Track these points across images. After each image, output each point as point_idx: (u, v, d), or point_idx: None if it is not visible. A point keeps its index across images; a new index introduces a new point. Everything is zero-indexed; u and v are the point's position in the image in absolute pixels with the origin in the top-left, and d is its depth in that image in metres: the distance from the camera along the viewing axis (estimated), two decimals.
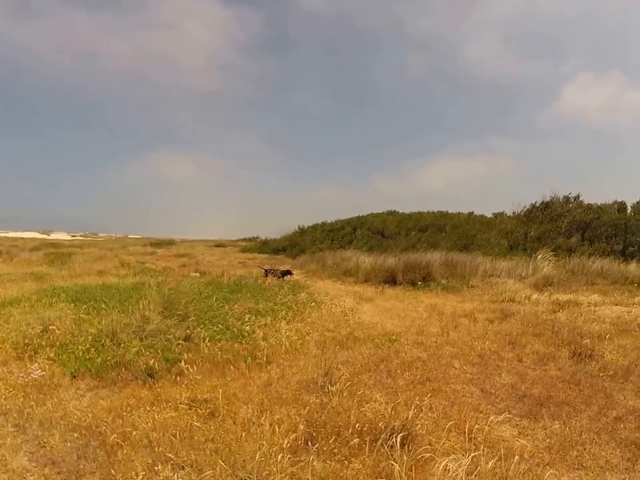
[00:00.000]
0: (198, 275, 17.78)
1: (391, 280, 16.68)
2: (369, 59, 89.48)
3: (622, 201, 26.12)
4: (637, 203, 25.41)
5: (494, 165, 76.54)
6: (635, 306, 11.99)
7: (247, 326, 8.70)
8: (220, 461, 3.86)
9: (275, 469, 3.73)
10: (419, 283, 16.39)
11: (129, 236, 66.06)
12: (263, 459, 3.82)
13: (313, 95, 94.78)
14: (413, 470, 3.86)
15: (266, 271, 17.03)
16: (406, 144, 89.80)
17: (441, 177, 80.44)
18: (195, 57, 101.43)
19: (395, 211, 36.00)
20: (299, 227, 37.81)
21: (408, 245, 24.68)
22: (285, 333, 8.34)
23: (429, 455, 4.08)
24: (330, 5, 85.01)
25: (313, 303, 11.56)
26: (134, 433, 4.50)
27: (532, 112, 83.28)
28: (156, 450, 4.18)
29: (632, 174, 64.43)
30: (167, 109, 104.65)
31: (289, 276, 16.57)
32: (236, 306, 10.52)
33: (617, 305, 12.21)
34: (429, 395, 5.69)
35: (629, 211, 25.36)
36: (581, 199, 27.53)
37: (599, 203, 26.47)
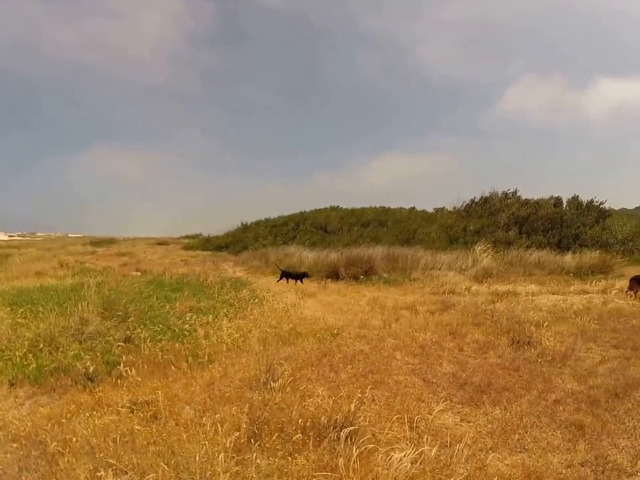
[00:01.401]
0: (139, 274, 17.61)
1: (334, 275, 17.02)
2: (321, 55, 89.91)
3: (558, 197, 27.84)
4: (572, 198, 27.06)
5: (437, 162, 79.41)
6: (570, 294, 12.70)
7: (188, 325, 8.64)
8: (162, 463, 3.80)
9: (218, 469, 3.70)
10: (362, 277, 16.73)
11: (69, 235, 62.87)
12: (206, 459, 3.81)
13: (263, 90, 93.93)
14: (357, 462, 3.86)
15: (283, 272, 16.49)
16: (353, 141, 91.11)
17: (385, 173, 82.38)
18: (143, 48, 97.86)
19: (337, 206, 36.46)
20: (242, 223, 37.80)
21: (351, 240, 25.12)
22: (227, 330, 8.27)
23: (372, 446, 4.10)
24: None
25: (255, 300, 11.52)
26: (75, 439, 4.37)
27: (476, 112, 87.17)
28: (97, 456, 4.09)
29: (567, 171, 68.60)
30: (112, 101, 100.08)
31: (305, 278, 16.16)
32: (177, 305, 10.41)
33: (553, 294, 12.88)
34: (371, 387, 5.73)
35: (564, 206, 26.99)
36: (518, 194, 29.02)
37: (536, 198, 28.03)
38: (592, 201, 26.41)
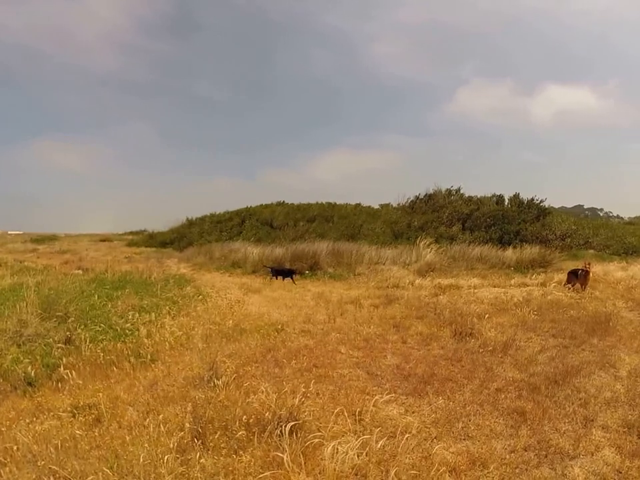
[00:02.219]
0: (81, 272, 17.09)
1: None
2: (275, 50, 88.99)
3: (500, 194, 29.00)
4: (514, 196, 28.19)
5: (385, 159, 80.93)
6: (511, 287, 13.15)
7: (130, 324, 8.48)
8: (105, 468, 3.72)
9: (163, 471, 3.66)
10: (307, 272, 16.89)
11: (9, 232, 59.27)
12: (149, 461, 3.76)
13: (214, 84, 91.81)
14: (303, 456, 3.87)
15: (273, 270, 15.98)
16: (302, 136, 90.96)
17: (334, 169, 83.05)
18: (93, 33, 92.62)
19: (284, 202, 36.39)
20: (187, 218, 37.25)
21: (296, 236, 25.21)
22: (170, 328, 8.16)
23: (317, 440, 4.11)
24: None
25: (199, 296, 11.42)
26: (16, 448, 4.27)
27: (425, 112, 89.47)
28: (40, 464, 3.96)
29: (511, 171, 71.39)
30: (57, 89, 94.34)
31: (294, 275, 15.67)
32: (119, 303, 10.12)
33: (495, 287, 13.30)
34: (316, 382, 5.74)
35: (506, 203, 28.07)
36: (462, 191, 30.04)
37: (479, 196, 29.00)
38: (532, 199, 27.50)
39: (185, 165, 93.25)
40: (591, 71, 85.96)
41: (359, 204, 34.33)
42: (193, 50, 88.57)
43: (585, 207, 63.12)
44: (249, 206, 35.55)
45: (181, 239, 32.14)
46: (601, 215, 57.03)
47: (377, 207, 34.07)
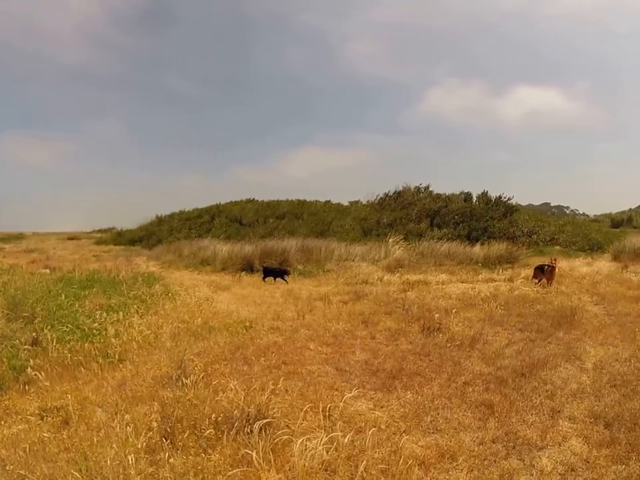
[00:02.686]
0: (48, 271, 16.84)
1: (249, 267, 17.22)
2: (250, 46, 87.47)
3: (468, 192, 29.41)
4: (482, 194, 28.59)
5: (356, 156, 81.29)
6: (479, 283, 13.36)
7: (97, 323, 8.34)
8: (74, 470, 3.67)
9: (132, 472, 3.62)
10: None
11: None
12: (118, 462, 3.72)
13: (187, 79, 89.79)
14: (272, 453, 3.86)
15: (265, 269, 15.42)
16: (275, 134, 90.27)
17: (305, 167, 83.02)
18: (64, 24, 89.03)
19: (253, 199, 36.36)
20: (156, 216, 37.01)
21: (266, 233, 25.30)
22: (138, 327, 8.04)
23: (286, 437, 4.11)
24: None
25: (167, 295, 11.30)
26: None
27: (397, 111, 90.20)
28: (8, 468, 3.88)
29: (481, 169, 72.74)
30: (23, 82, 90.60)
31: (287, 275, 15.13)
32: (87, 303, 10.02)
33: (462, 282, 13.52)
34: (284, 378, 5.72)
35: (474, 201, 28.43)
36: (430, 189, 30.34)
37: (447, 193, 29.37)
38: (500, 197, 27.92)
39: (155, 161, 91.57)
40: (560, 74, 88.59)
41: (329, 201, 34.56)
42: (167, 44, 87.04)
43: (552, 204, 64.62)
44: (218, 203, 35.48)
45: (150, 236, 32.00)
46: (567, 212, 58.46)
47: (346, 204, 34.22)
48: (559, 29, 79.69)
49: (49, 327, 7.91)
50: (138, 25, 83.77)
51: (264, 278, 14.92)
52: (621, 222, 42.71)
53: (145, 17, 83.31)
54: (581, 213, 55.86)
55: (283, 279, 14.82)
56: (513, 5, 76.04)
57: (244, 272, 16.64)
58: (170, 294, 11.45)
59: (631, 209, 50.64)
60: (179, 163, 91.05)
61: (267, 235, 23.88)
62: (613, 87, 79.87)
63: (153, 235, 31.89)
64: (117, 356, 6.75)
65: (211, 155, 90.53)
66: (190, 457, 3.92)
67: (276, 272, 15.24)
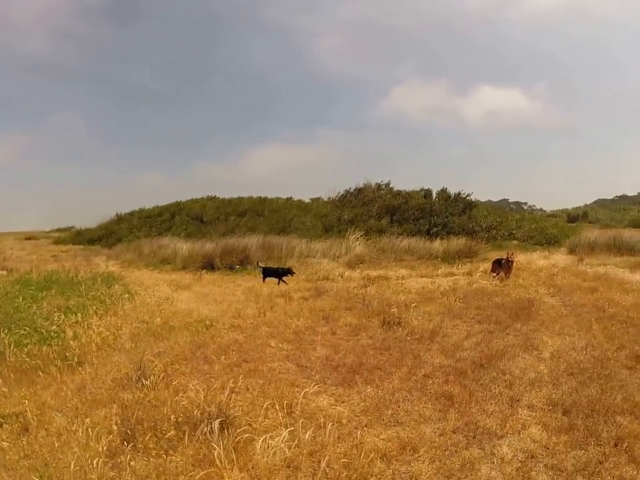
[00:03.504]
0: (5, 272, 16.65)
1: (209, 265, 17.13)
2: (216, 41, 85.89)
3: (428, 188, 29.77)
4: (441, 190, 29.10)
5: (319, 153, 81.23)
6: (438, 277, 13.54)
7: (55, 326, 8.11)
8: (35, 478, 3.67)
9: (93, 476, 3.60)
10: (237, 267, 17.00)
11: None
12: (79, 467, 3.70)
13: (150, 73, 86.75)
14: (235, 452, 3.85)
15: (264, 270, 14.24)
16: (239, 130, 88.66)
17: (268, 163, 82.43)
18: (26, 13, 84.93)
19: (214, 196, 36.11)
20: (116, 214, 36.26)
21: (227, 230, 25.11)
22: (97, 329, 7.86)
23: (248, 435, 4.10)
24: None
25: (127, 295, 11.09)
26: None
27: (360, 107, 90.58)
28: None
29: (441, 166, 74.08)
30: None
31: (289, 275, 13.77)
32: (45, 305, 9.76)
33: (422, 277, 13.70)
34: (246, 376, 5.70)
35: (434, 197, 28.88)
36: (391, 185, 30.67)
37: (408, 190, 29.68)
38: (459, 193, 28.42)
39: (116, 157, 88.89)
40: (521, 75, 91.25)
41: (290, 198, 34.62)
42: (132, 36, 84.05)
43: (510, 200, 66.30)
44: (178, 200, 35.15)
45: (109, 235, 31.50)
46: (525, 208, 60.04)
47: (308, 200, 34.41)
48: (521, 33, 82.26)
49: (5, 331, 7.71)
50: (103, 16, 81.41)
51: (264, 279, 13.73)
52: (577, 217, 44.44)
53: (110, 8, 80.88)
54: (539, 208, 57.71)
55: (283, 280, 13.51)
56: (478, 9, 78.01)
57: (205, 270, 16.51)
58: (129, 294, 11.28)
59: (586, 204, 52.89)
60: (141, 159, 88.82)
61: (228, 233, 23.63)
62: (569, 88, 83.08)
63: (112, 234, 31.35)
64: (75, 359, 6.65)
65: (174, 151, 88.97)
66: (151, 459, 3.90)
67: (277, 272, 13.82)
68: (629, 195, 64.01)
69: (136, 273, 16.80)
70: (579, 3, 73.83)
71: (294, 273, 13.85)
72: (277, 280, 13.45)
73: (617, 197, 64.72)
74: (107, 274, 15.45)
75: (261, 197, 34.23)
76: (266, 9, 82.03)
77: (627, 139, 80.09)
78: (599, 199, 61.49)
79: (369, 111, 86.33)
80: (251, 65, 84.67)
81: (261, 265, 15.33)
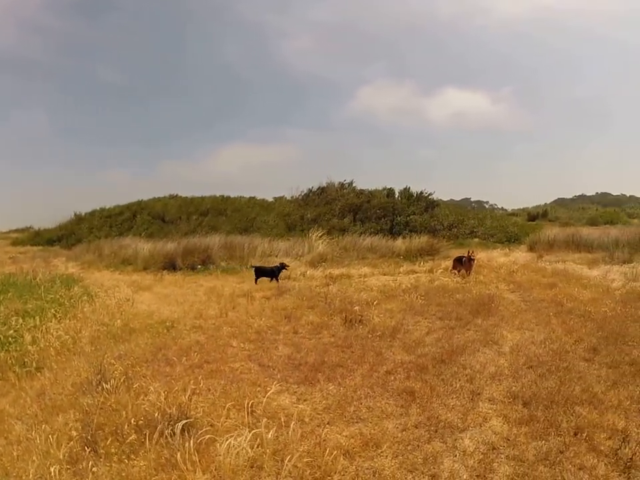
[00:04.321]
0: None
1: (171, 266, 16.96)
2: (186, 38, 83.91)
3: (391, 188, 30.07)
4: (404, 189, 29.37)
5: (286, 152, 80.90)
6: (400, 275, 13.71)
7: (13, 330, 7.97)
8: None
9: None
10: (199, 266, 16.86)
11: None
12: (40, 475, 3.69)
13: (118, 69, 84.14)
14: (197, 454, 3.82)
15: (256, 269, 13.66)
16: (206, 128, 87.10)
17: (235, 162, 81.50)
18: None
19: (177, 195, 35.88)
20: (75, 214, 35.52)
21: (189, 230, 25.08)
22: (56, 333, 7.72)
23: (210, 436, 4.08)
24: None
25: (86, 297, 10.90)
26: None
27: (328, 108, 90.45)
28: None
29: (406, 166, 74.98)
30: None
31: (284, 270, 13.46)
32: (1, 309, 9.56)
33: (384, 275, 13.84)
34: (207, 377, 5.70)
35: (396, 196, 29.15)
36: (354, 184, 30.82)
37: (370, 189, 29.90)
38: (422, 192, 28.79)
39: (79, 155, 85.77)
40: (487, 79, 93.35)
41: (253, 197, 34.79)
42: (101, 31, 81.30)
43: (472, 200, 67.63)
44: (140, 199, 34.77)
45: (69, 236, 30.90)
46: (487, 207, 61.25)
47: (271, 199, 34.54)
48: (489, 39, 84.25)
49: None
50: (73, 9, 78.47)
51: (256, 280, 13.23)
52: (537, 215, 45.57)
53: (81, 2, 78.20)
54: (500, 207, 58.97)
55: (276, 279, 13.18)
56: (448, 15, 79.52)
57: (166, 270, 16.35)
58: (89, 296, 11.11)
59: (546, 203, 54.37)
60: (103, 156, 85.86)
61: (190, 232, 23.60)
62: (533, 92, 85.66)
63: (72, 234, 30.77)
64: (34, 364, 6.52)
65: (140, 149, 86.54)
66: (113, 465, 3.85)
67: (271, 272, 13.40)
68: (588, 194, 66.65)
69: (96, 275, 16.60)
70: (545, 13, 76.43)
71: (288, 267, 13.61)
72: (271, 279, 13.21)
73: (576, 196, 67.13)
74: (67, 276, 15.28)
75: (223, 196, 34.21)
76: (238, 7, 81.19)
77: (586, 141, 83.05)
78: (558, 199, 63.47)
79: (336, 111, 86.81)
80: (220, 62, 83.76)
81: (253, 264, 15.12)
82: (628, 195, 62.51)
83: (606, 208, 49.55)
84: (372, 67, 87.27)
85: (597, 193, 67.06)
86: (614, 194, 65.33)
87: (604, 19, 74.57)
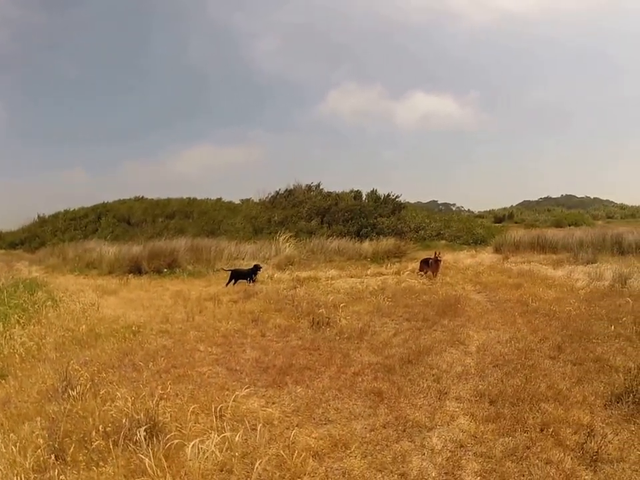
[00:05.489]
0: None
1: (137, 269, 16.79)
2: (151, 35, 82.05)
3: (358, 190, 30.27)
4: (371, 192, 29.64)
5: (251, 154, 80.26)
6: (367, 277, 13.80)
7: None
8: None
9: None
10: (165, 270, 16.69)
11: None
12: None
13: (81, 65, 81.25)
14: (166, 459, 3.78)
15: (233, 272, 13.47)
16: (170, 128, 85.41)
17: (199, 163, 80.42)
18: None
19: (142, 197, 35.37)
20: (38, 216, 34.85)
21: (155, 233, 24.83)
22: (20, 339, 7.58)
23: (178, 441, 4.05)
24: None
25: (50, 302, 10.68)
26: None
27: (295, 110, 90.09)
28: None
29: (373, 168, 75.44)
30: None
31: (259, 272, 13.44)
32: None
33: (352, 277, 13.91)
34: (174, 382, 5.65)
35: (364, 199, 29.37)
36: (321, 187, 30.96)
37: (338, 192, 30.05)
38: (389, 195, 29.06)
39: (38, 154, 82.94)
40: (454, 84, 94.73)
41: (220, 199, 34.55)
42: (65, 24, 78.67)
43: (439, 202, 68.35)
44: (105, 201, 34.21)
45: (32, 238, 30.56)
46: (454, 209, 62.09)
47: (238, 202, 34.38)
48: (458, 46, 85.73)
49: None
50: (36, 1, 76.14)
51: (232, 283, 13.18)
52: (503, 217, 46.53)
53: None
54: (466, 209, 59.75)
55: (252, 280, 13.18)
56: (418, 21, 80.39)
57: (132, 274, 16.14)
58: (54, 301, 10.88)
59: (512, 205, 55.52)
60: (65, 156, 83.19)
61: (156, 235, 23.37)
62: (499, 97, 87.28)
63: (35, 237, 30.34)
64: None
65: (101, 148, 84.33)
66: (82, 472, 3.79)
67: (247, 274, 13.40)
68: (553, 196, 68.15)
69: (60, 279, 16.32)
70: (511, 23, 78.19)
71: (261, 267, 13.68)
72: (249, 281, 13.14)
73: (541, 198, 68.54)
74: (30, 280, 15.00)
75: (190, 198, 33.96)
76: (207, 5, 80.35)
77: (551, 145, 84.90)
78: (524, 201, 64.57)
79: (302, 113, 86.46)
80: (188, 61, 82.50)
81: (226, 267, 15.02)
82: (592, 197, 64.37)
83: (571, 210, 50.94)
84: (339, 70, 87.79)
85: (562, 195, 68.59)
86: (578, 196, 67.12)
87: (565, 25, 76.93)
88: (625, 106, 76.33)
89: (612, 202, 57.90)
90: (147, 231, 25.98)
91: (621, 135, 78.40)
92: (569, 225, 34.40)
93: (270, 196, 31.14)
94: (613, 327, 7.42)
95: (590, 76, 77.42)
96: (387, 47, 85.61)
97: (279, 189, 31.17)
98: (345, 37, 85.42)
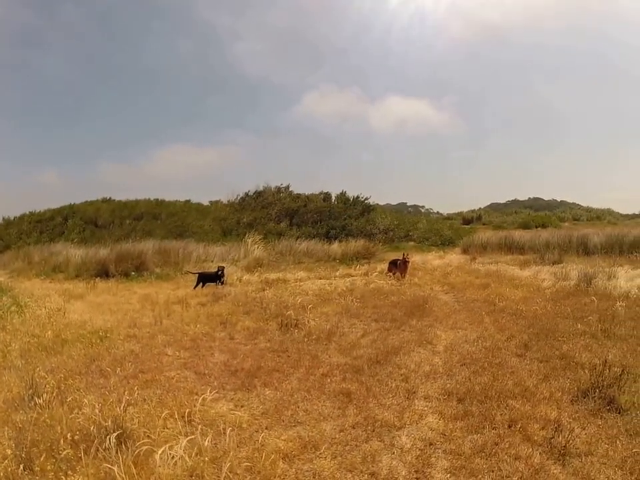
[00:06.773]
0: None
1: (104, 273, 16.50)
2: (139, 36, 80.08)
3: (327, 192, 30.58)
4: (340, 194, 29.89)
5: (227, 155, 79.54)
6: (336, 278, 13.87)
7: None
8: None
9: None
10: (133, 273, 16.47)
11: None
12: None
13: (66, 62, 79.01)
14: (135, 466, 3.72)
15: (200, 275, 13.26)
16: (144, 129, 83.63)
17: (175, 164, 79.20)
18: None
19: (110, 198, 34.63)
20: (3, 218, 33.45)
21: (122, 235, 24.22)
22: None
23: (147, 447, 3.99)
24: None
25: (15, 307, 10.43)
26: None
27: (274, 112, 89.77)
28: None
29: (347, 170, 75.80)
30: None
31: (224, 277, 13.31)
32: None
33: (320, 278, 13.97)
34: (142, 387, 5.57)
35: (333, 200, 29.54)
36: (291, 189, 31.06)
37: (307, 193, 30.15)
38: (358, 197, 29.35)
39: (5, 153, 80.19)
40: (431, 89, 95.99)
41: (189, 201, 34.31)
42: (53, 21, 76.27)
43: (408, 204, 69.18)
44: (72, 203, 33.16)
45: None
46: (423, 211, 62.90)
47: (207, 203, 34.19)
48: (437, 52, 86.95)
49: None
50: None
51: (201, 286, 13.09)
52: (472, 219, 47.33)
53: None
54: (435, 211, 60.57)
55: (221, 282, 13.20)
56: (399, 31, 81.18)
57: (99, 278, 15.78)
58: (19, 306, 10.60)
59: (480, 207, 56.35)
60: (34, 156, 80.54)
61: (124, 237, 22.77)
62: (475, 103, 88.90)
63: (0, 240, 29.07)
64: None
65: (74, 148, 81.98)
66: None
67: (215, 277, 13.34)
68: (520, 199, 69.54)
69: (26, 283, 15.89)
70: (492, 31, 79.75)
71: (224, 267, 13.68)
72: (208, 285, 13.06)
73: (509, 201, 69.95)
74: None
75: (158, 200, 33.54)
76: (196, 6, 79.39)
77: (520, 150, 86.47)
78: (492, 203, 65.74)
79: (282, 115, 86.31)
80: (172, 62, 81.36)
81: (192, 270, 14.85)
82: (559, 200, 65.71)
83: (538, 212, 52.04)
84: (318, 73, 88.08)
85: (530, 197, 70.10)
86: (546, 199, 68.55)
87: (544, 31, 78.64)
88: (597, 113, 78.94)
89: (578, 205, 59.63)
90: (114, 233, 25.45)
91: (589, 140, 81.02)
92: (536, 227, 35.25)
93: (239, 197, 31.13)
94: (578, 324, 7.64)
95: (565, 83, 79.32)
96: (367, 53, 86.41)
97: (248, 191, 31.23)
98: (328, 42, 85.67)
